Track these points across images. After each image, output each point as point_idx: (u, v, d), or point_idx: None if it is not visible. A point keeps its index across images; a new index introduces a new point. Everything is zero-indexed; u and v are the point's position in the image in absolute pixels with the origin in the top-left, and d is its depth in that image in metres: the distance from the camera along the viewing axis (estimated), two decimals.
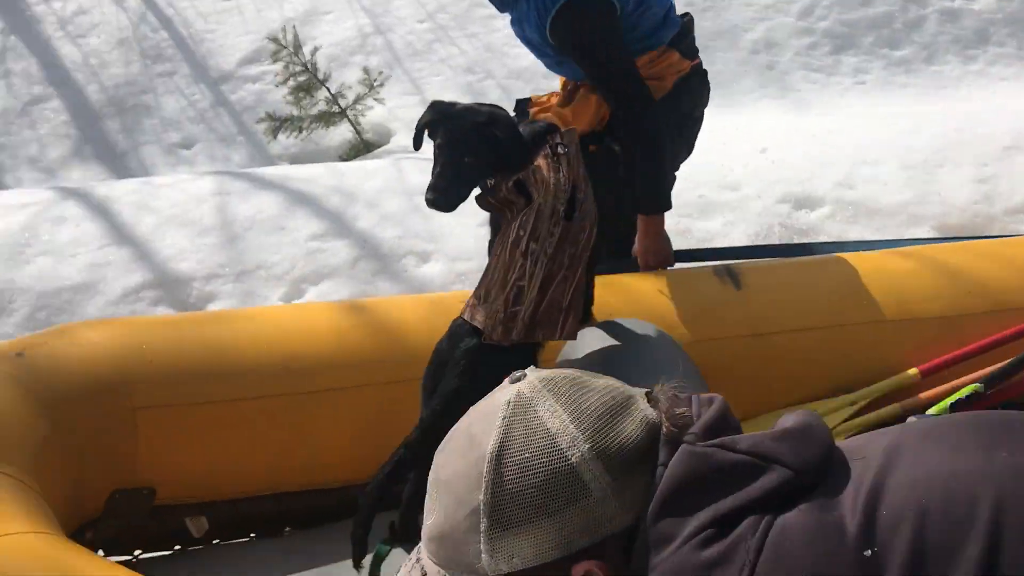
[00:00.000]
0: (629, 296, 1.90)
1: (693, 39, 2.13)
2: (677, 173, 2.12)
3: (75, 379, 1.60)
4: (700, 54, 2.14)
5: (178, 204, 2.91)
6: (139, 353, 1.64)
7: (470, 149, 1.57)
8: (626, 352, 1.68)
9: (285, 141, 4.91)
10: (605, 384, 0.76)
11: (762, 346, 1.85)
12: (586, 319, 1.74)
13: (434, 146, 1.59)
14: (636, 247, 2.05)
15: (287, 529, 1.78)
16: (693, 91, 2.10)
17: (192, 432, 1.64)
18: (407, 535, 1.51)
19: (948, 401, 1.73)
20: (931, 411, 1.72)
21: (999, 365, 1.79)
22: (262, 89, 5.43)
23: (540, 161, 1.58)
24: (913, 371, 1.84)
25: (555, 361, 1.69)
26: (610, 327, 1.74)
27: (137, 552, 1.71)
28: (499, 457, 0.70)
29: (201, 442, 1.64)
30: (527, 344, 1.56)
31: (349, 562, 1.42)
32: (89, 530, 1.61)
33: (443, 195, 1.56)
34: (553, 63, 2.12)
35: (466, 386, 1.47)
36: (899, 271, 2.00)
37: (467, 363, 1.50)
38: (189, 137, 5.22)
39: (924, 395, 1.80)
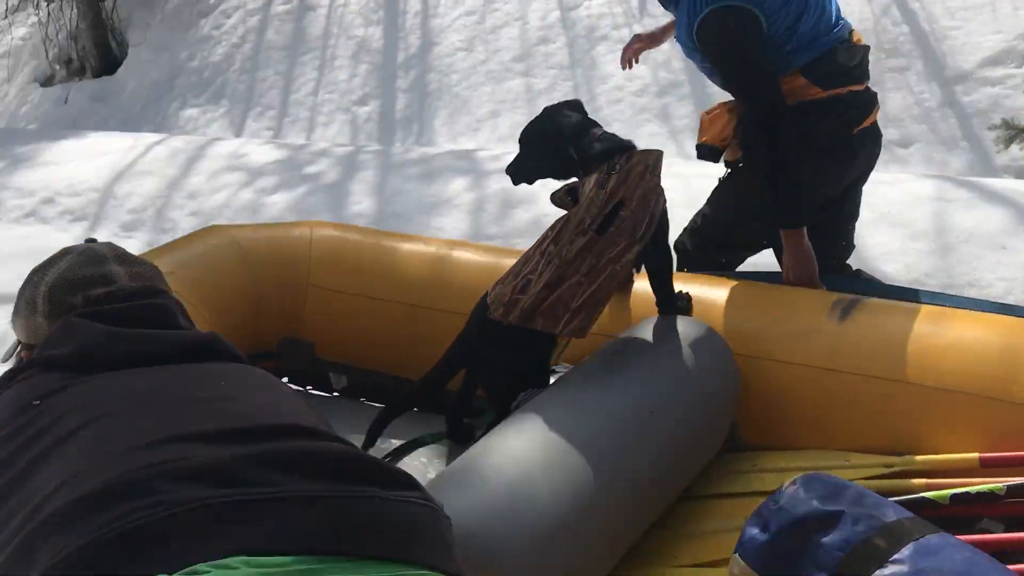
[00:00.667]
0: (723, 302, 1.92)
1: (843, 69, 2.05)
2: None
3: (272, 257, 2.25)
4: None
5: (894, 203, 2.90)
6: (312, 247, 2.28)
7: (534, 152, 1.88)
8: (667, 344, 1.77)
9: (1016, 152, 4.49)
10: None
11: (829, 382, 1.73)
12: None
13: None
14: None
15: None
16: (822, 121, 2.03)
17: (345, 312, 2.20)
18: (453, 434, 1.87)
19: (950, 492, 1.45)
20: (928, 494, 1.46)
21: None
22: (1000, 93, 5.04)
23: (593, 175, 1.73)
24: (973, 455, 1.54)
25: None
26: (663, 322, 1.82)
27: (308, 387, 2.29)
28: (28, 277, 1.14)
29: (350, 321, 2.19)
30: (528, 329, 1.71)
31: (425, 438, 1.86)
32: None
33: (512, 176, 1.95)
34: (705, 69, 2.13)
35: (463, 336, 1.78)
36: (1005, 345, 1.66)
37: (474, 325, 1.77)
38: (908, 136, 5.12)
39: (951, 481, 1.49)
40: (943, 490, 1.46)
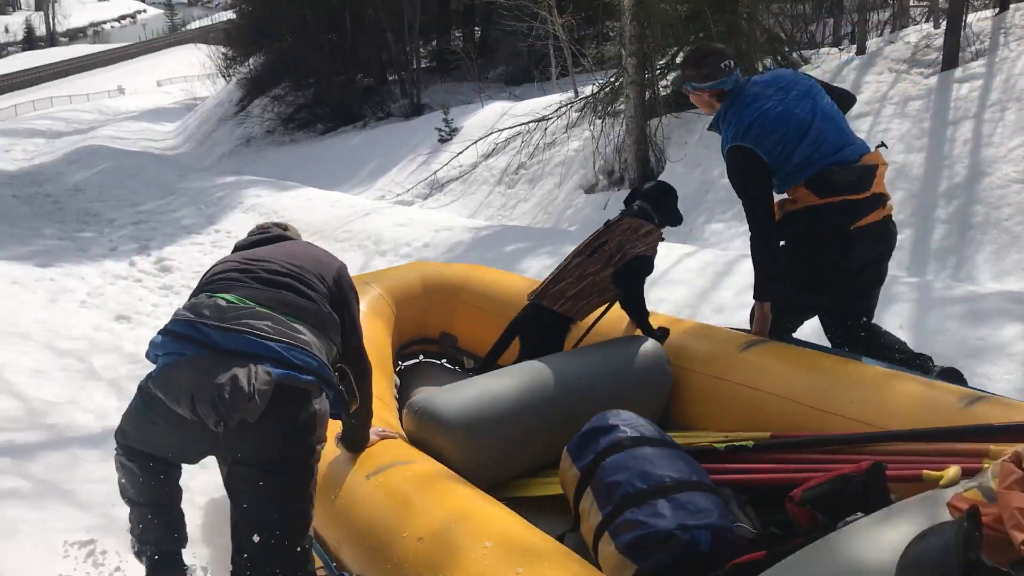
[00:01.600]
0: (684, 335, 3.09)
1: (839, 184, 2.86)
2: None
3: (440, 282, 3.81)
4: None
5: None
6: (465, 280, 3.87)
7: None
8: (622, 347, 2.95)
9: None
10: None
11: (723, 388, 2.78)
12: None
13: None
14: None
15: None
16: (820, 220, 2.92)
17: (476, 320, 3.70)
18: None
19: (725, 444, 2.42)
20: (717, 444, 2.44)
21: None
22: None
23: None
24: (766, 433, 2.48)
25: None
26: (631, 338, 3.04)
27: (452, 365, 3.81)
28: None
29: (478, 326, 3.62)
30: (544, 307, 3.11)
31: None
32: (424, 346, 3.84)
33: None
34: None
35: (515, 319, 3.21)
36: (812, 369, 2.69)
37: (523, 310, 3.22)
38: None
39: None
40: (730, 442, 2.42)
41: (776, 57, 8.51)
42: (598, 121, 9.01)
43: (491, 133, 10.50)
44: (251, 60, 26.34)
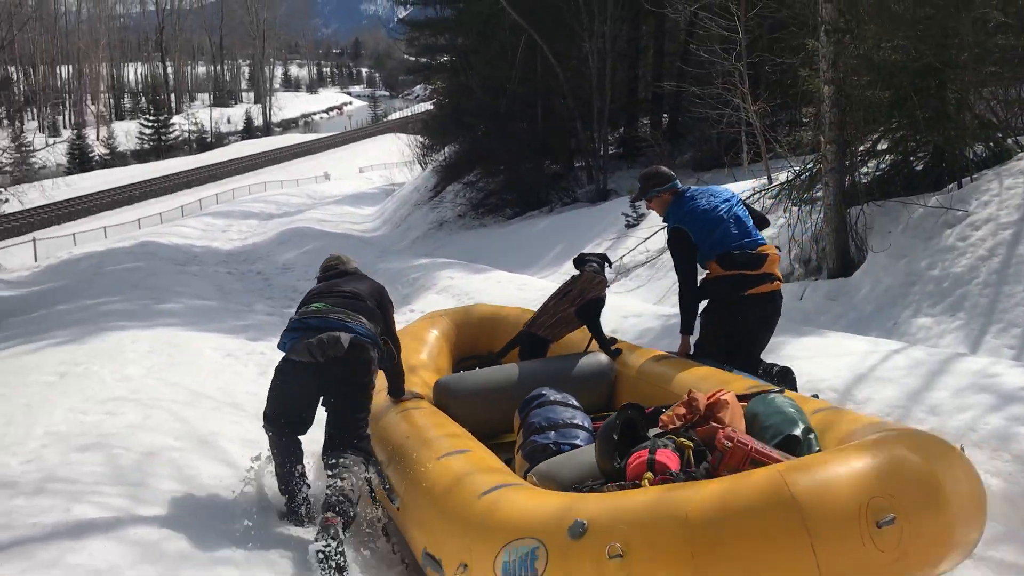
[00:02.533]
0: (628, 353, 4.76)
1: (739, 262, 4.40)
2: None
3: (488, 315, 5.81)
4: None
5: None
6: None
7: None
8: (582, 359, 4.61)
9: None
10: None
11: (643, 383, 4.38)
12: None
13: None
14: None
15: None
16: (720, 286, 4.49)
17: (490, 338, 5.53)
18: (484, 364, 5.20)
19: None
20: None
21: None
22: None
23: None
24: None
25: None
26: (592, 354, 4.70)
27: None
28: None
29: (499, 343, 5.36)
30: (531, 332, 4.92)
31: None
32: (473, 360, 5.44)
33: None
34: None
35: (516, 336, 5.06)
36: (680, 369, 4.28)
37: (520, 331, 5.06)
38: None
39: None
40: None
41: (989, 144, 7.99)
42: (793, 208, 8.75)
43: None
44: (446, 148, 27.71)
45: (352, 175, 53.20)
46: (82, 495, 3.76)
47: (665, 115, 21.94)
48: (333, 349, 3.69)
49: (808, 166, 9.02)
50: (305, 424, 3.98)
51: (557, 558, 2.53)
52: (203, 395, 5.73)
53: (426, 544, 3.20)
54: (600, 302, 4.77)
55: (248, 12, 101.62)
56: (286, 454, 3.91)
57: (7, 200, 21.12)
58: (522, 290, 8.95)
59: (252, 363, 7.29)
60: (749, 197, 9.62)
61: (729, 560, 2.33)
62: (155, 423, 4.92)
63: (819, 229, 8.28)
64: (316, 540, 3.30)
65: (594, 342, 4.78)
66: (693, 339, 4.63)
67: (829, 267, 7.96)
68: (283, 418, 3.90)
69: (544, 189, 19.88)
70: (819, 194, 8.36)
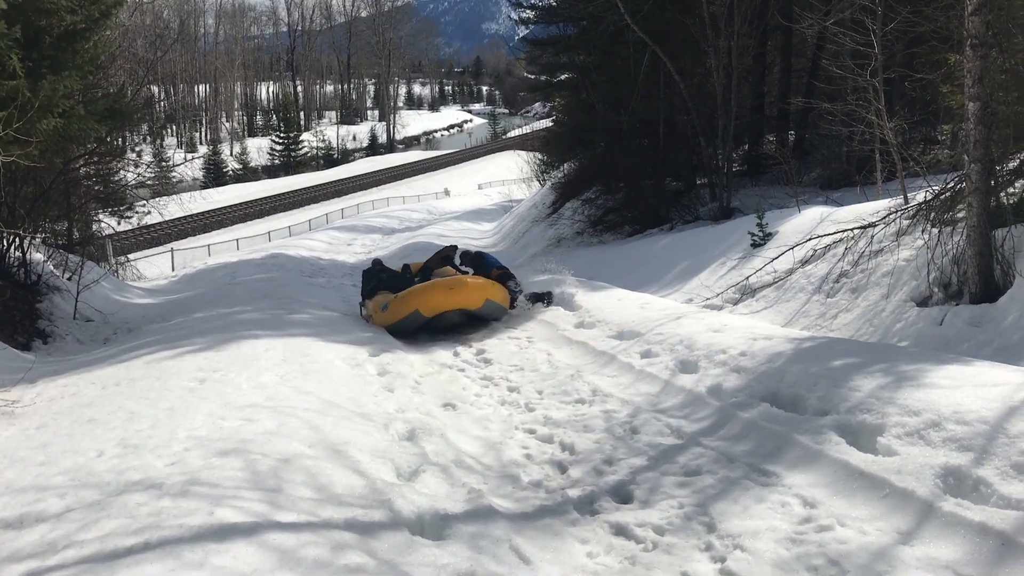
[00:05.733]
0: None
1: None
2: None
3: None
4: None
5: None
6: None
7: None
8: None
9: None
10: None
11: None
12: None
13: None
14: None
15: None
16: None
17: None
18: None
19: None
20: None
21: None
22: None
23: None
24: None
25: None
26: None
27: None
28: None
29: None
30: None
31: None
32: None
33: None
34: None
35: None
36: None
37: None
38: None
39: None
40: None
41: None
42: (933, 230, 8.35)
43: (810, 239, 10.10)
44: (565, 165, 27.78)
45: (471, 191, 53.91)
46: (223, 499, 3.92)
47: (792, 132, 21.37)
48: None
49: (949, 185, 8.59)
50: None
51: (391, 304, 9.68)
52: (334, 404, 5.89)
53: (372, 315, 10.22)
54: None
55: (375, 33, 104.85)
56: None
57: (149, 212, 22.36)
58: (644, 309, 8.85)
59: (377, 374, 7.47)
60: (885, 217, 9.25)
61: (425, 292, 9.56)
62: (289, 430, 5.09)
63: (961, 251, 7.87)
64: None
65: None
66: None
67: (971, 291, 7.55)
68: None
69: (665, 206, 19.65)
70: (961, 215, 7.95)
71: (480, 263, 10.77)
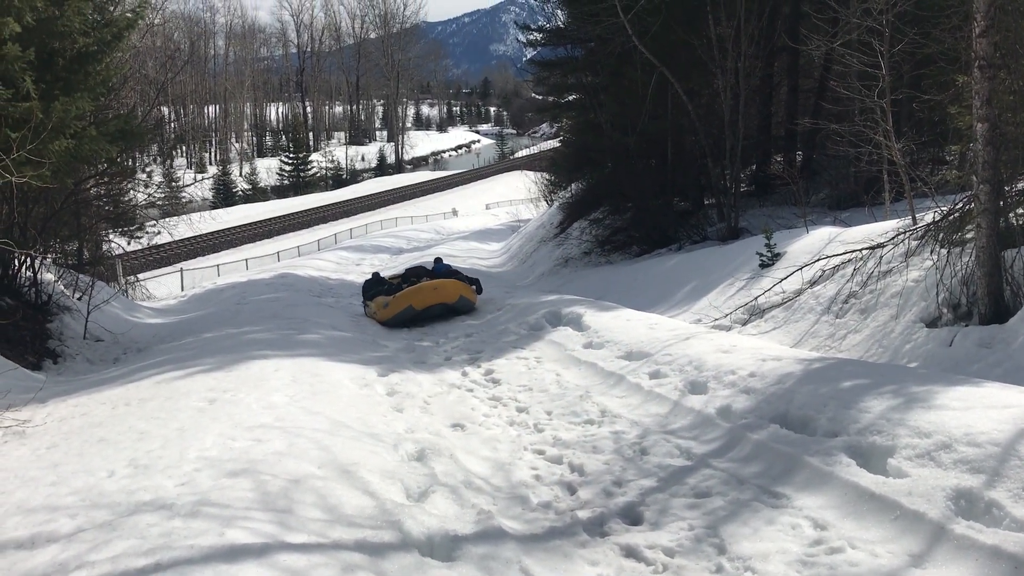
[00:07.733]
0: None
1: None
2: None
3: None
4: None
5: None
6: None
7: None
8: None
9: None
10: None
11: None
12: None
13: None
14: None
15: None
16: None
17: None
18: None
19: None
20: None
21: None
22: None
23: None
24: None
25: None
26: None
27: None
28: None
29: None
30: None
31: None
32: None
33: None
34: None
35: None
36: None
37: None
38: None
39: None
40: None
41: None
42: (942, 250, 8.34)
43: (818, 259, 10.10)
44: (572, 185, 27.84)
45: (479, 211, 54.00)
46: (234, 520, 3.92)
47: (799, 152, 21.40)
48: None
49: (958, 206, 8.59)
50: None
51: (390, 303, 12.83)
52: (343, 424, 5.90)
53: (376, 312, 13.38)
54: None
55: (383, 54, 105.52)
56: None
57: (159, 232, 22.51)
58: (653, 329, 8.84)
59: (386, 394, 7.48)
60: (894, 238, 9.25)
61: (418, 291, 13.02)
62: (299, 451, 5.09)
63: (970, 272, 7.85)
64: None
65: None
66: None
67: (981, 312, 7.53)
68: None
69: (673, 226, 19.66)
70: (970, 235, 7.94)
71: (454, 273, 14.78)
